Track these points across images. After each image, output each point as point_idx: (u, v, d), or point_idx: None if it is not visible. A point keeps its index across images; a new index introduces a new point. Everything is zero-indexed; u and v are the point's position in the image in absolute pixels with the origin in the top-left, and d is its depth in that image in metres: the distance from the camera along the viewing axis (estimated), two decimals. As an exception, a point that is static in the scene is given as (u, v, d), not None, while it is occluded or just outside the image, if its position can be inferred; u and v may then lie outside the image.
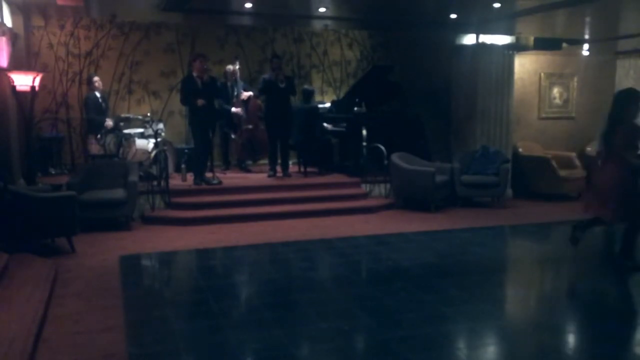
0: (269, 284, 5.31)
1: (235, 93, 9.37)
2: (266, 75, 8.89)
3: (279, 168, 8.96)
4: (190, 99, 7.96)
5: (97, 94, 8.76)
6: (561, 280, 5.56)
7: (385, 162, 8.71)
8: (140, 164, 8.12)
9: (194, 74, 7.99)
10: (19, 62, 7.95)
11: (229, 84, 9.37)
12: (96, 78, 8.81)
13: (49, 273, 5.10)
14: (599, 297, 5.12)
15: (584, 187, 7.38)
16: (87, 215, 6.70)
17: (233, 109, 9.30)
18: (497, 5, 7.70)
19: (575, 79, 10.54)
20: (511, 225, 7.76)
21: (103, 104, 8.82)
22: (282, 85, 8.62)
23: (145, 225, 7.38)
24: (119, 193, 7.11)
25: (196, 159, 8.33)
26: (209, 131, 8.23)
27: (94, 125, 8.61)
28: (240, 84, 9.45)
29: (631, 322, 4.54)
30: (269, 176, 8.87)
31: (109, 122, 8.55)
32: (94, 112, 8.62)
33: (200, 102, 7.85)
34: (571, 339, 4.00)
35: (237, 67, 9.46)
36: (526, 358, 3.83)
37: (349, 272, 5.67)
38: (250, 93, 9.46)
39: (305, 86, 9.52)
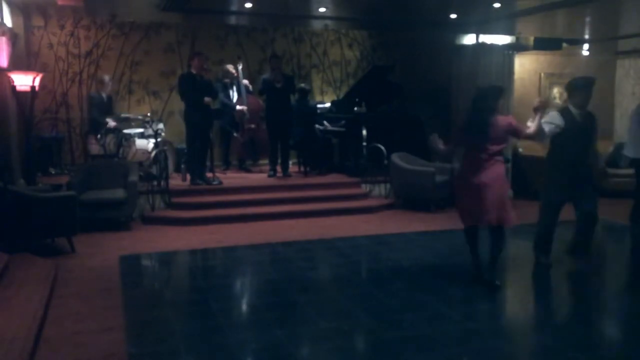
0: (269, 284, 5.31)
1: (237, 93, 9.38)
2: (265, 75, 8.90)
3: (279, 168, 8.96)
4: (188, 96, 7.95)
5: (103, 95, 8.76)
6: (561, 279, 5.56)
7: (385, 162, 8.71)
8: (140, 164, 8.13)
9: (193, 72, 7.99)
10: (19, 62, 7.96)
11: (228, 82, 9.36)
12: (107, 77, 8.82)
13: (49, 273, 5.11)
14: (601, 297, 5.12)
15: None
16: (87, 215, 6.69)
17: (238, 107, 9.29)
18: (497, 5, 7.70)
19: (575, 79, 10.53)
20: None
21: (108, 105, 8.83)
22: (279, 86, 8.62)
23: (145, 225, 7.38)
24: (119, 193, 7.11)
25: (192, 159, 8.27)
26: (207, 131, 8.21)
27: (95, 125, 8.60)
28: (243, 84, 9.45)
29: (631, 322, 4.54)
30: (269, 176, 8.88)
31: (112, 122, 8.53)
32: (97, 111, 8.61)
33: (207, 100, 7.90)
34: (571, 339, 3.99)
35: (240, 67, 9.45)
36: (526, 358, 3.82)
37: (349, 272, 5.67)
38: (248, 83, 9.53)
39: (302, 85, 9.50)
